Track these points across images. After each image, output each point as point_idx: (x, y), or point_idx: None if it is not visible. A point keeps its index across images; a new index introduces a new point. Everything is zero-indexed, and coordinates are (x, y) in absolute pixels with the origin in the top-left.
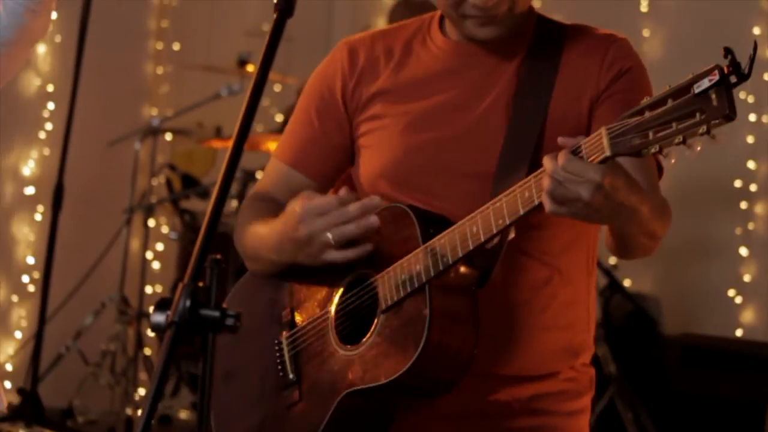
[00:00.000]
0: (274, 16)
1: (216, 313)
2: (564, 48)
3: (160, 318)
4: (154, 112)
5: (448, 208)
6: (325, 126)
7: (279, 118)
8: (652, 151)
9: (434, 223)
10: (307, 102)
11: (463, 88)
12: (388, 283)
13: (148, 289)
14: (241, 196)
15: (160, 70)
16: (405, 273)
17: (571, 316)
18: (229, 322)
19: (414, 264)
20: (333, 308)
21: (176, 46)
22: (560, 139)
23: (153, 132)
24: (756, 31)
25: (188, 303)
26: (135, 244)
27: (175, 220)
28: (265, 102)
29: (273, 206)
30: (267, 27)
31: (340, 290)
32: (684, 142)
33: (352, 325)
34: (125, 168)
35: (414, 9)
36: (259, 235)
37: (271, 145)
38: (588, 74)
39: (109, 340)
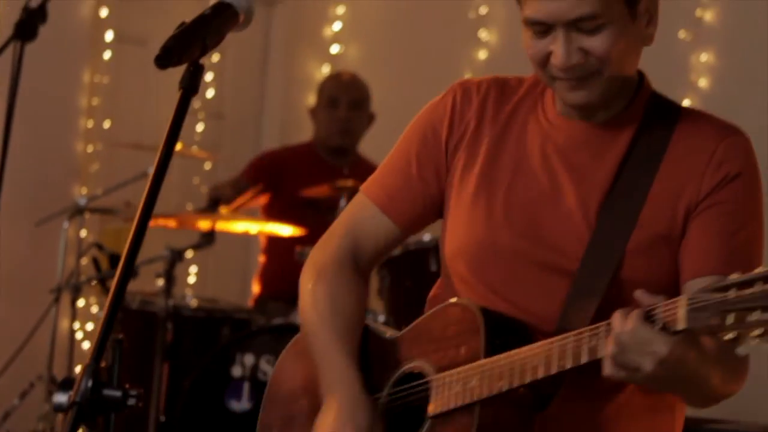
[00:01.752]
0: (179, 93)
1: (118, 393)
2: (672, 138)
3: (62, 398)
4: (84, 190)
5: (523, 301)
6: (424, 173)
7: None
8: (727, 337)
9: (504, 333)
10: (410, 141)
11: (559, 173)
12: (441, 389)
13: (78, 369)
14: (168, 275)
15: (90, 148)
16: (459, 384)
17: (652, 424)
18: (131, 402)
19: (470, 377)
20: (383, 396)
21: (107, 124)
22: (637, 294)
23: (80, 211)
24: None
25: (90, 383)
26: (64, 323)
27: (103, 299)
28: (195, 180)
29: (354, 288)
30: (198, 104)
31: (393, 379)
32: (764, 335)
33: (396, 417)
34: (53, 247)
35: (344, 84)
36: (321, 347)
37: (202, 224)
38: (690, 175)
39: (37, 420)
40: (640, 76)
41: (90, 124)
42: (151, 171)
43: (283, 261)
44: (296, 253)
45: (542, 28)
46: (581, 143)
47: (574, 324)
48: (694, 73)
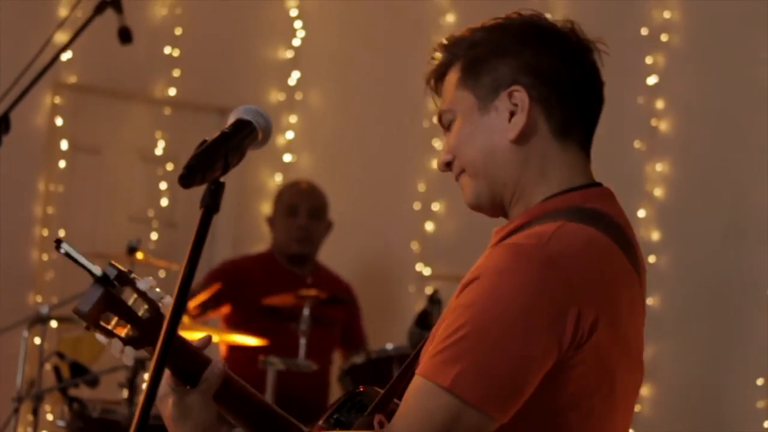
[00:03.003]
0: (200, 211)
1: None
2: None
3: None
4: (39, 299)
5: None
6: None
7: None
8: None
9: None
10: None
11: None
12: None
13: None
14: (131, 384)
15: (45, 257)
16: None
17: None
18: None
19: None
20: None
21: (62, 233)
22: None
23: (41, 320)
24: None
25: None
26: None
27: (64, 407)
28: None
29: None
30: (152, 212)
31: None
32: None
33: None
34: (13, 356)
35: (303, 192)
36: None
37: None
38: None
39: None
40: (567, 191)
41: (45, 232)
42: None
43: (245, 370)
44: (259, 361)
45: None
46: None
47: None
48: (649, 182)
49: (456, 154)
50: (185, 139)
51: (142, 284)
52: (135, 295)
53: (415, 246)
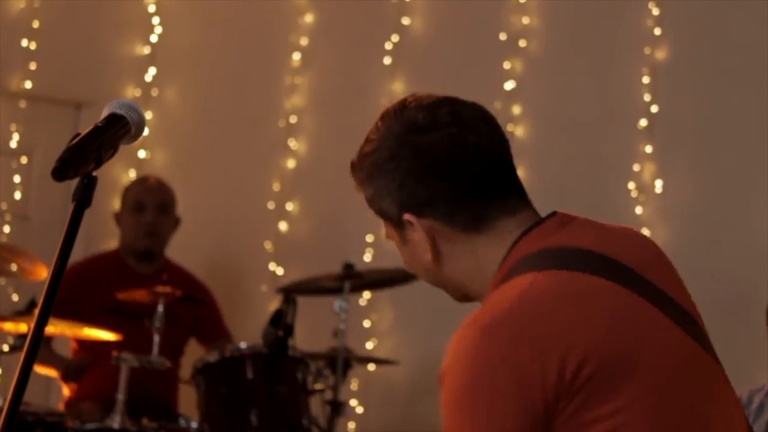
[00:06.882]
0: (72, 205)
1: None
2: None
3: None
4: None
5: None
6: None
7: (15, 297)
8: None
9: None
10: None
11: None
12: None
13: None
14: None
15: None
16: None
17: None
18: None
19: None
20: None
21: None
22: None
23: None
24: None
25: None
26: None
27: None
28: (1, 281)
29: None
30: (5, 205)
31: None
32: None
33: None
34: None
35: (150, 188)
36: None
37: (18, 326)
38: None
39: None
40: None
41: None
42: None
43: (97, 365)
44: (113, 357)
45: None
46: None
47: None
48: None
49: None
50: (40, 132)
51: None
52: None
53: (268, 245)
